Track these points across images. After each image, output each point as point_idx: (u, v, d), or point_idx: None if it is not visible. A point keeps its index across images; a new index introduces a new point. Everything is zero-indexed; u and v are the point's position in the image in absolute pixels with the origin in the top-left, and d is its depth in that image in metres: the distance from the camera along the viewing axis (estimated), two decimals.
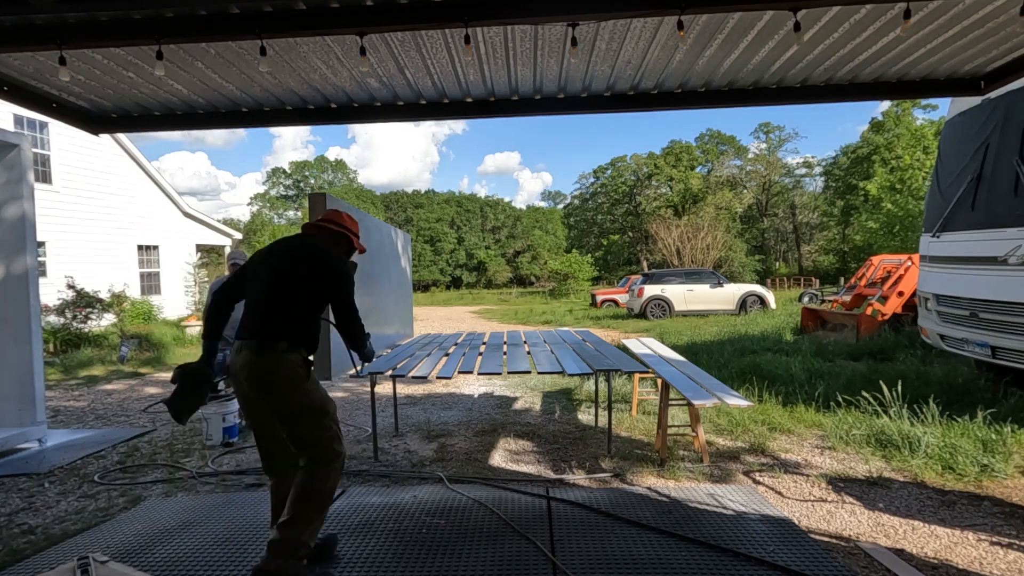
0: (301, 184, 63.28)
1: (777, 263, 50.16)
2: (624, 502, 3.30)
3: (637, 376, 5.39)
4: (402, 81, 4.13)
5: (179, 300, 16.47)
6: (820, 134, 74.15)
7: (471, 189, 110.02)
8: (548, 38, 3.52)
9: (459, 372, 4.18)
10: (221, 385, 4.97)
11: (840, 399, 5.17)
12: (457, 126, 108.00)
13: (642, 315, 16.57)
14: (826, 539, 2.90)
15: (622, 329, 13.94)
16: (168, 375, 8.81)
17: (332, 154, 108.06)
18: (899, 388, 4.67)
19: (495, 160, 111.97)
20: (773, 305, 16.42)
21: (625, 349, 5.96)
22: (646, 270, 31.92)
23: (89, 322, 11.32)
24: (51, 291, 11.13)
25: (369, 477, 3.97)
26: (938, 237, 5.60)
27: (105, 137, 12.52)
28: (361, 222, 4.66)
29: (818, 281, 32.61)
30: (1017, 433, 4.17)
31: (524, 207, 66.30)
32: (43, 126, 12.45)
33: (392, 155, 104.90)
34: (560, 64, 3.92)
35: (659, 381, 4.38)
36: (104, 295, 12.07)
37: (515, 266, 57.79)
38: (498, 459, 4.28)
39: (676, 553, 2.69)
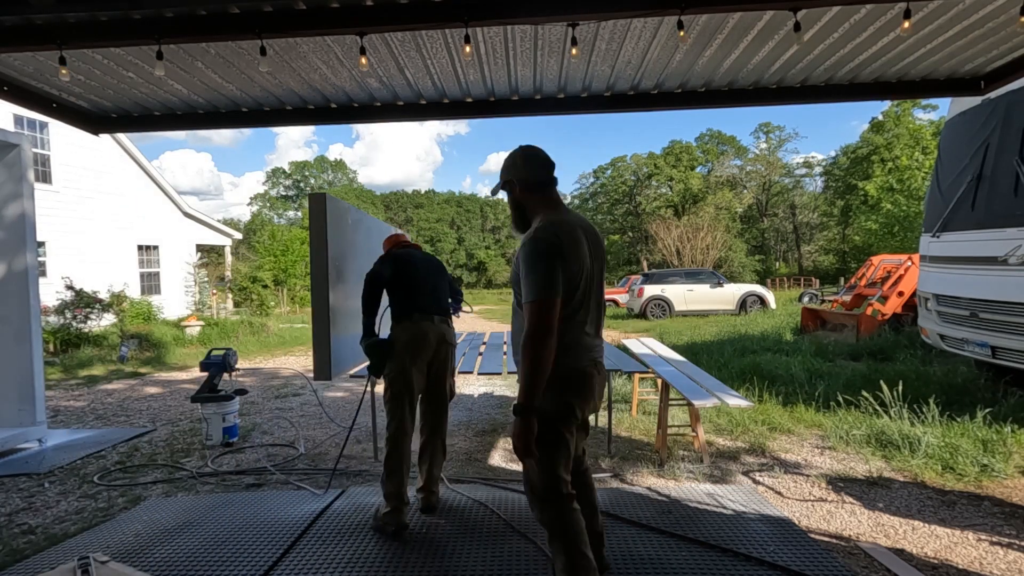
0: (301, 184, 63.31)
1: (777, 263, 50.14)
2: (624, 502, 3.30)
3: (637, 376, 5.39)
4: (402, 81, 4.13)
5: (179, 300, 16.47)
6: (822, 134, 74.11)
7: (473, 188, 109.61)
8: (548, 38, 3.52)
9: (459, 372, 4.18)
10: (221, 385, 4.97)
11: (840, 399, 5.17)
12: (461, 126, 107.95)
13: (642, 315, 16.56)
14: (826, 539, 2.90)
15: (622, 329, 13.94)
16: (167, 375, 8.81)
17: (335, 152, 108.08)
18: (899, 388, 4.67)
19: (499, 159, 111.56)
20: (773, 305, 16.42)
21: (625, 349, 5.95)
22: (646, 270, 31.92)
23: (89, 322, 11.32)
24: (51, 291, 11.12)
25: (369, 477, 3.97)
26: (938, 237, 5.60)
27: (105, 137, 12.52)
28: (360, 222, 4.67)
29: (818, 281, 32.61)
30: (1017, 433, 4.17)
31: None
32: (43, 126, 12.45)
33: (395, 154, 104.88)
34: (560, 64, 3.92)
35: (659, 381, 4.38)
36: (104, 295, 12.07)
37: None
38: (498, 459, 4.28)
39: (676, 553, 2.69)
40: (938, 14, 3.32)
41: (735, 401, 3.52)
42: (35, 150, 12.01)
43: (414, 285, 3.14)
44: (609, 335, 11.90)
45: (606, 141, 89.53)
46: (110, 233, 14.30)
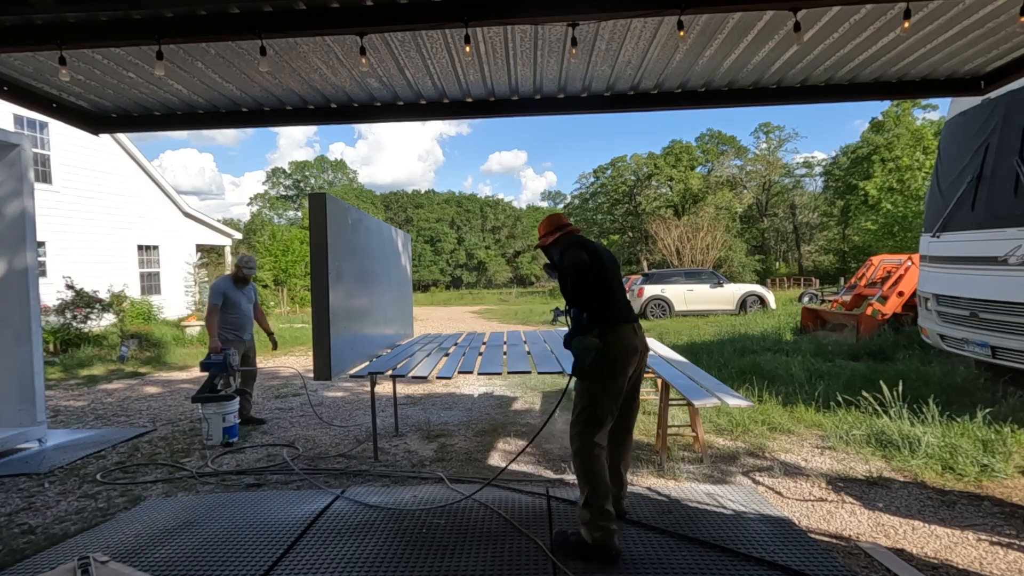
0: (301, 184, 63.28)
1: (777, 263, 50.11)
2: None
3: None
4: (402, 81, 4.13)
5: (179, 300, 16.47)
6: (823, 134, 73.98)
7: (475, 188, 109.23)
8: (548, 38, 3.52)
9: (459, 372, 4.18)
10: (220, 384, 4.97)
11: (840, 399, 5.17)
12: (463, 126, 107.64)
13: (642, 315, 16.55)
14: (826, 539, 2.90)
15: None
16: (167, 375, 8.82)
17: (336, 152, 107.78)
18: (899, 388, 4.67)
19: (501, 159, 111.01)
20: (773, 305, 16.41)
21: None
22: (646, 270, 31.91)
23: (89, 322, 11.32)
24: (51, 291, 11.12)
25: (369, 477, 3.97)
26: (938, 237, 5.60)
27: (105, 137, 12.51)
28: (360, 222, 4.67)
29: (818, 281, 32.58)
30: (1017, 433, 4.17)
31: (525, 207, 66.33)
32: (43, 126, 12.45)
33: (397, 154, 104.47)
34: (560, 64, 3.93)
35: (659, 381, 4.38)
36: (104, 295, 12.08)
37: (515, 266, 57.82)
38: (498, 459, 4.28)
39: (676, 553, 2.69)
40: (938, 14, 3.32)
41: (735, 401, 3.52)
42: (35, 150, 12.01)
43: (611, 284, 2.88)
44: None
45: (606, 141, 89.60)
46: (110, 233, 14.30)
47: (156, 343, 11.11)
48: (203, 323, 13.23)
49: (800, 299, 20.56)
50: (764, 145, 50.94)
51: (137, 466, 4.38)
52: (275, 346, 5.82)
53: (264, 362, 9.99)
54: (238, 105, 4.53)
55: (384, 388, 6.22)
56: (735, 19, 3.33)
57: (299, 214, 57.48)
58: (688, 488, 3.54)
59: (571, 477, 3.85)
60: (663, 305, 16.51)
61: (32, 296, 4.85)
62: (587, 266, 2.81)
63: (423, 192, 64.01)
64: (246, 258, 5.57)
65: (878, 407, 4.66)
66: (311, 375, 5.62)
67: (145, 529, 3.14)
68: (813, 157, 51.27)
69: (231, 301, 5.33)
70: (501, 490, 3.56)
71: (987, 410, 4.38)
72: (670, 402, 4.18)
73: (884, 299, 9.29)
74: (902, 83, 4.39)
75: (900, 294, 9.10)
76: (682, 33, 3.01)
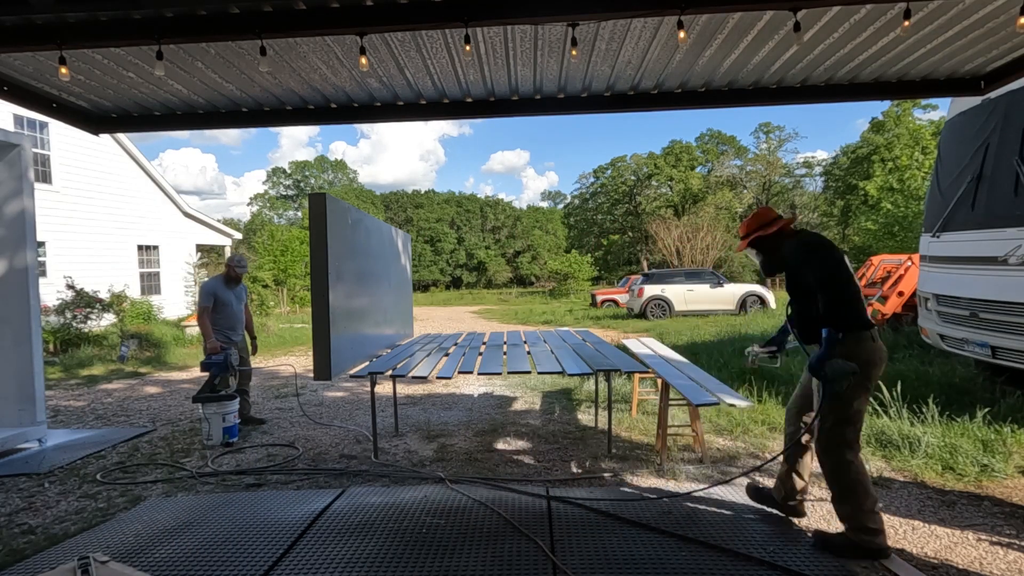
0: (301, 184, 63.27)
1: None
2: (624, 502, 3.30)
3: (637, 376, 5.39)
4: (402, 81, 4.13)
5: (179, 300, 16.47)
6: (823, 133, 73.78)
7: (475, 188, 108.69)
8: (548, 38, 3.53)
9: (459, 372, 4.18)
10: (220, 384, 4.97)
11: None
12: (465, 126, 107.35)
13: (642, 315, 16.56)
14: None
15: (622, 329, 13.94)
16: (167, 375, 8.81)
17: (338, 151, 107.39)
18: (899, 388, 4.67)
19: (503, 158, 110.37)
20: (773, 305, 16.41)
21: (625, 349, 5.95)
22: (646, 270, 31.91)
23: (89, 322, 11.32)
24: (51, 291, 11.12)
25: (369, 477, 3.97)
26: (938, 237, 5.59)
27: (105, 137, 12.52)
28: (360, 222, 4.67)
29: None
30: (1017, 433, 4.17)
31: (526, 207, 66.29)
32: (43, 126, 12.45)
33: (399, 154, 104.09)
34: (560, 64, 3.93)
35: (659, 381, 4.38)
36: (104, 295, 12.08)
37: (515, 266, 57.82)
38: (498, 459, 4.28)
39: (676, 553, 2.69)
40: (938, 14, 3.32)
41: (735, 401, 3.53)
42: (35, 150, 12.01)
43: (856, 285, 2.67)
44: (609, 335, 11.90)
45: (606, 141, 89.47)
46: (110, 233, 14.30)
47: (156, 343, 11.11)
48: None
49: None
50: (764, 145, 50.90)
51: (137, 466, 4.38)
52: (255, 350, 5.66)
53: (264, 362, 9.99)
54: (238, 105, 4.53)
55: (384, 388, 6.22)
56: (735, 19, 3.34)
57: (299, 214, 57.47)
58: (688, 488, 3.54)
59: (571, 477, 3.85)
60: (663, 305, 16.51)
61: (32, 296, 4.85)
62: (842, 274, 2.57)
63: (423, 192, 63.96)
64: (237, 257, 5.47)
65: (878, 407, 4.66)
66: (311, 375, 5.62)
67: (145, 529, 3.14)
68: (813, 157, 51.25)
69: (222, 301, 5.25)
70: (501, 490, 3.56)
71: (987, 410, 4.39)
72: (670, 402, 4.18)
73: (884, 299, 9.29)
74: (902, 83, 4.39)
75: (900, 294, 9.10)
76: (682, 33, 3.01)
